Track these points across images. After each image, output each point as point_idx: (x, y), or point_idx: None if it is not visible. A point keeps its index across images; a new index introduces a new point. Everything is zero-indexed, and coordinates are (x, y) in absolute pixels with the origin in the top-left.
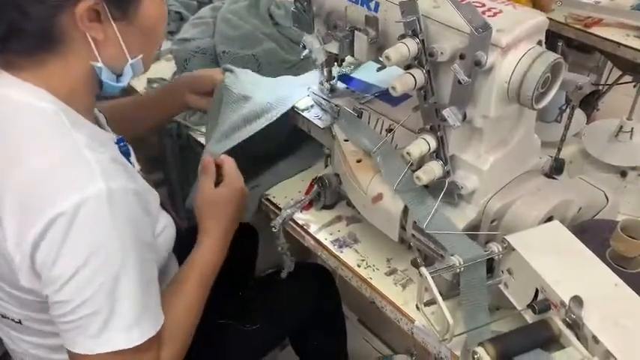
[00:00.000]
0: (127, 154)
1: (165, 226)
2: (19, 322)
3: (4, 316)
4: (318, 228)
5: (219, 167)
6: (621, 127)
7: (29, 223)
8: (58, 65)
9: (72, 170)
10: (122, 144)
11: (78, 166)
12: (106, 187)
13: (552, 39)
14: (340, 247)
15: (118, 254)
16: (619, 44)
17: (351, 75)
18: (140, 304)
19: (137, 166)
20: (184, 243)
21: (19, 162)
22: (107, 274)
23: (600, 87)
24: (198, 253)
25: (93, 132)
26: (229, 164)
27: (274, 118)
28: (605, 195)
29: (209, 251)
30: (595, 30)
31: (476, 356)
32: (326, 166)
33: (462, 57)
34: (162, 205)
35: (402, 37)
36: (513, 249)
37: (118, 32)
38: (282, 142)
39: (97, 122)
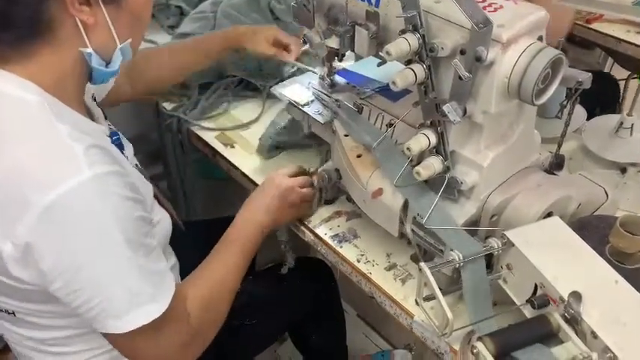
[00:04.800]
0: (120, 148)
1: (160, 220)
2: (13, 313)
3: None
4: (318, 223)
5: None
6: (621, 123)
7: (16, 216)
8: (45, 56)
9: (56, 160)
10: (115, 137)
11: (62, 155)
12: (92, 173)
13: None
14: (340, 242)
15: (117, 235)
16: (620, 40)
17: (352, 70)
18: (152, 274)
19: (133, 160)
20: (183, 239)
21: (1, 155)
22: (111, 255)
23: None
24: (239, 218)
25: (77, 122)
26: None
27: None
28: (605, 191)
29: (250, 219)
30: (596, 26)
31: (475, 351)
32: (326, 161)
33: (462, 52)
34: (158, 201)
35: (403, 32)
36: (513, 244)
37: (108, 16)
38: None
39: (89, 115)
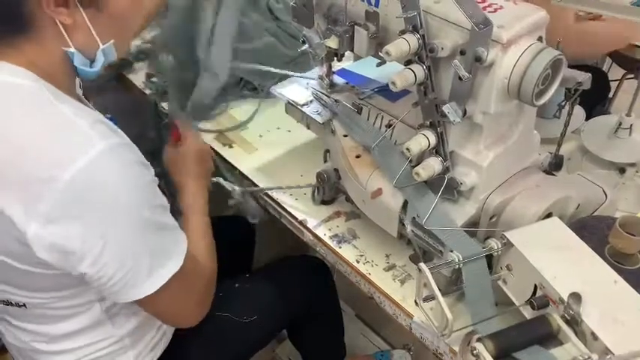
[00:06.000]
0: None
1: None
2: (24, 305)
3: (7, 303)
4: (317, 223)
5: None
6: (620, 123)
7: (38, 195)
8: (33, 49)
9: (69, 137)
10: (114, 122)
11: (73, 132)
12: (107, 144)
13: None
14: (339, 242)
15: (138, 201)
16: None
17: (351, 70)
18: (169, 229)
19: None
20: None
21: (7, 138)
22: (134, 222)
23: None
24: (182, 202)
25: (77, 105)
26: (183, 127)
27: None
28: (604, 191)
29: (188, 196)
30: None
31: (475, 352)
32: (325, 161)
33: (462, 53)
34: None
35: (403, 32)
36: (512, 245)
37: (87, 18)
38: None
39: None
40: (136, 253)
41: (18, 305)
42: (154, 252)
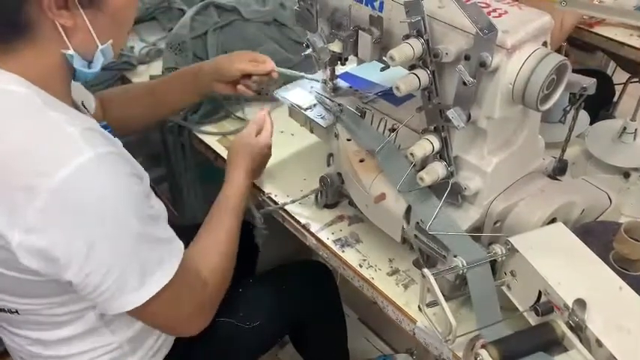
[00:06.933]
0: None
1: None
2: (16, 312)
3: (1, 310)
4: (320, 227)
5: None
6: (625, 128)
7: (23, 203)
8: (29, 53)
9: (56, 144)
10: (108, 130)
11: (61, 139)
12: (94, 152)
13: None
14: (342, 246)
15: (125, 212)
16: (622, 44)
17: (355, 73)
18: (160, 241)
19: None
20: (184, 240)
21: None
22: (121, 233)
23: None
24: (227, 186)
25: (70, 111)
26: (269, 124)
27: None
28: (609, 196)
29: (237, 183)
30: (598, 29)
31: (478, 358)
32: (328, 165)
33: (466, 58)
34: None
35: (407, 37)
36: (516, 251)
37: (87, 19)
38: None
39: (77, 109)
40: (123, 264)
41: (10, 312)
42: (143, 264)
